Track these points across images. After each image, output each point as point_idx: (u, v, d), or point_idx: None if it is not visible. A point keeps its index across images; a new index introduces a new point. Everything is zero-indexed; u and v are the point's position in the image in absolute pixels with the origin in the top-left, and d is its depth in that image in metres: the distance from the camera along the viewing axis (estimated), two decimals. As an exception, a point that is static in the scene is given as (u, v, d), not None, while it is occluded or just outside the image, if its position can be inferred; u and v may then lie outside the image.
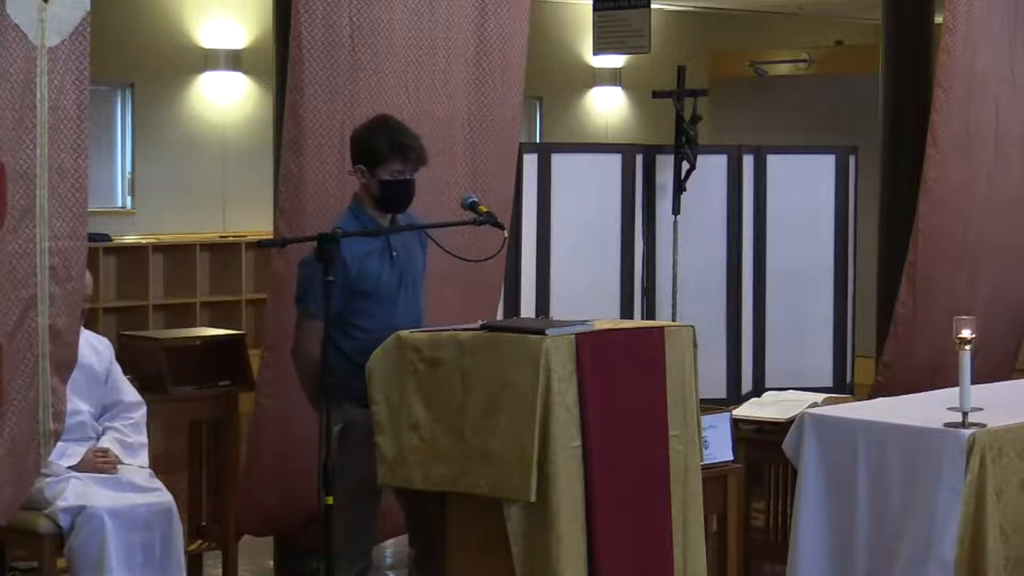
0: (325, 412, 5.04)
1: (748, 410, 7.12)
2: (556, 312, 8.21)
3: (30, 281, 5.41)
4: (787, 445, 5.93)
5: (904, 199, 8.95)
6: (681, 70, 9.01)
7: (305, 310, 5.48)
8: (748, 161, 9.10)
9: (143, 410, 6.21)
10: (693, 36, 15.65)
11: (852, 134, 11.16)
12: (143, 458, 6.12)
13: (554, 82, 15.09)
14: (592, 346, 5.06)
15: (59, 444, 5.66)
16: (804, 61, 15.12)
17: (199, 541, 6.96)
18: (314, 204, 6.43)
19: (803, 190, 9.20)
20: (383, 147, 5.56)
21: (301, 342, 5.53)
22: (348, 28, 6.43)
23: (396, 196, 5.60)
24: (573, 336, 5.03)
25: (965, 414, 5.48)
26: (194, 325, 11.72)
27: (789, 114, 14.71)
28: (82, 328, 5.70)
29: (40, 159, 5.40)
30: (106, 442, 6.04)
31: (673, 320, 8.29)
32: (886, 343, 8.31)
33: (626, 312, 8.73)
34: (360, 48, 6.47)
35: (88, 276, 5.73)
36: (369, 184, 5.60)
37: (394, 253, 5.63)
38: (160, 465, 6.31)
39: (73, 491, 5.82)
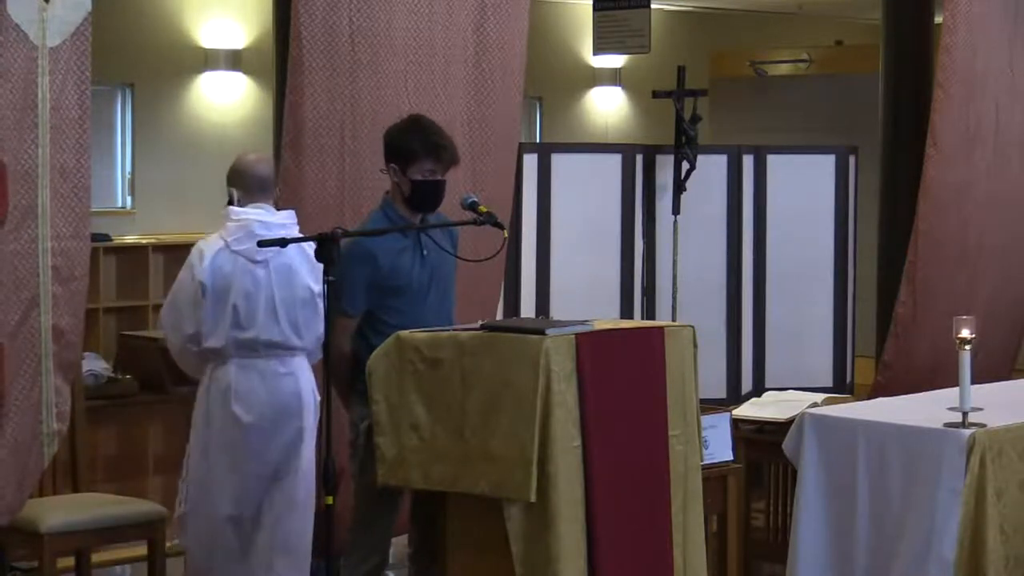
0: (326, 412, 5.05)
1: (748, 410, 7.13)
2: (556, 312, 8.22)
3: (32, 281, 5.43)
4: (787, 445, 5.93)
5: (904, 199, 8.96)
6: (681, 70, 9.01)
7: (335, 307, 5.48)
8: (748, 161, 9.10)
9: None
10: (693, 36, 15.65)
11: (852, 134, 11.15)
12: None
13: (554, 82, 15.10)
14: (592, 346, 5.06)
15: None
16: (804, 61, 15.11)
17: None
18: (314, 204, 6.44)
19: (803, 190, 9.20)
20: (416, 147, 5.60)
21: (330, 338, 5.53)
22: (348, 28, 6.43)
23: (426, 196, 5.64)
24: (573, 336, 5.03)
25: (965, 414, 5.48)
26: (194, 325, 11.72)
27: (789, 114, 14.70)
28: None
29: (42, 159, 5.42)
30: None
31: (673, 320, 8.28)
32: (886, 343, 8.31)
33: (626, 312, 8.73)
34: (360, 48, 6.48)
35: None
36: (400, 183, 5.64)
37: (425, 252, 5.67)
38: (161, 465, 6.33)
39: None
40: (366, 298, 5.57)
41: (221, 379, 5.82)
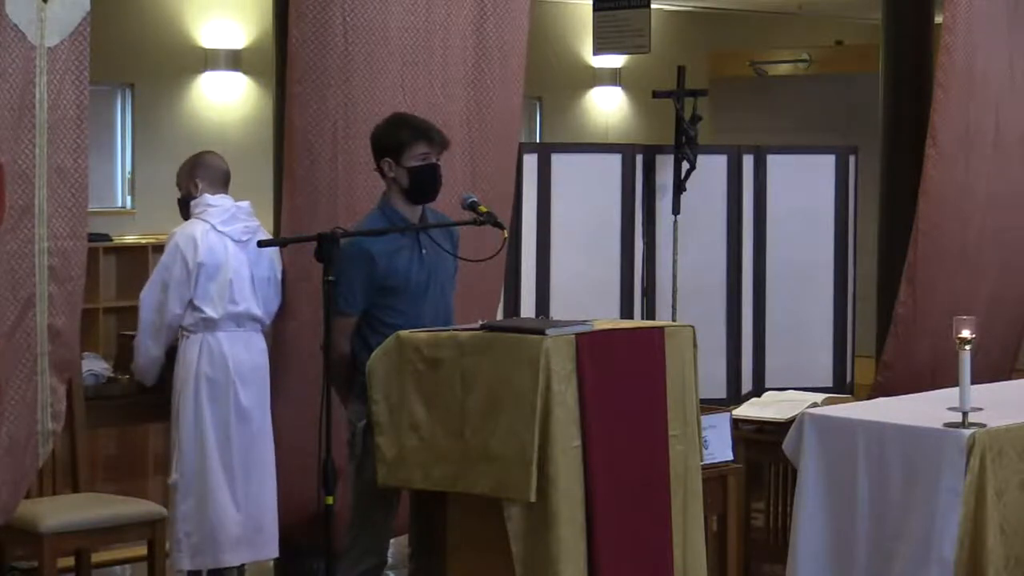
0: (325, 412, 5.04)
1: (748, 410, 7.12)
2: (556, 312, 8.21)
3: (29, 281, 5.42)
4: (787, 445, 5.93)
5: (904, 199, 8.95)
6: (681, 70, 9.00)
7: (333, 306, 5.48)
8: (748, 161, 9.10)
9: None
10: (693, 36, 15.64)
11: (852, 134, 11.17)
12: None
13: (554, 82, 15.09)
14: (592, 346, 5.06)
15: None
16: (804, 61, 15.13)
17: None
18: (313, 204, 6.43)
19: (803, 190, 9.20)
20: (405, 134, 5.65)
21: (328, 337, 5.52)
22: (341, 27, 6.42)
23: (425, 182, 5.64)
24: (573, 336, 5.02)
25: (965, 414, 5.48)
26: (194, 325, 11.70)
27: (789, 114, 14.72)
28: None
29: (39, 159, 5.42)
30: None
31: (673, 320, 8.28)
32: (886, 343, 8.31)
33: (626, 312, 8.72)
34: (354, 47, 6.46)
35: None
36: (398, 176, 5.64)
37: (423, 251, 5.66)
38: (161, 465, 6.33)
39: None
40: (364, 298, 5.57)
41: (214, 348, 6.28)
